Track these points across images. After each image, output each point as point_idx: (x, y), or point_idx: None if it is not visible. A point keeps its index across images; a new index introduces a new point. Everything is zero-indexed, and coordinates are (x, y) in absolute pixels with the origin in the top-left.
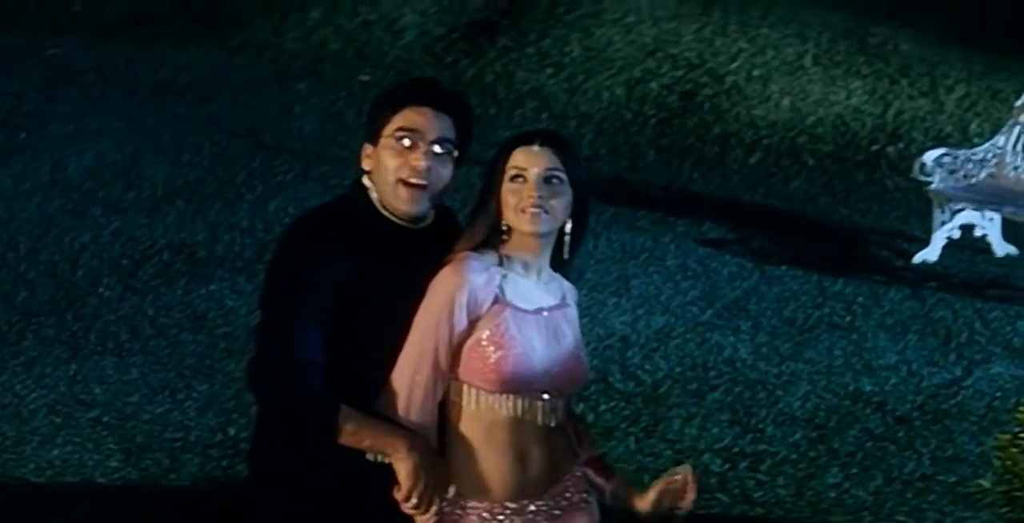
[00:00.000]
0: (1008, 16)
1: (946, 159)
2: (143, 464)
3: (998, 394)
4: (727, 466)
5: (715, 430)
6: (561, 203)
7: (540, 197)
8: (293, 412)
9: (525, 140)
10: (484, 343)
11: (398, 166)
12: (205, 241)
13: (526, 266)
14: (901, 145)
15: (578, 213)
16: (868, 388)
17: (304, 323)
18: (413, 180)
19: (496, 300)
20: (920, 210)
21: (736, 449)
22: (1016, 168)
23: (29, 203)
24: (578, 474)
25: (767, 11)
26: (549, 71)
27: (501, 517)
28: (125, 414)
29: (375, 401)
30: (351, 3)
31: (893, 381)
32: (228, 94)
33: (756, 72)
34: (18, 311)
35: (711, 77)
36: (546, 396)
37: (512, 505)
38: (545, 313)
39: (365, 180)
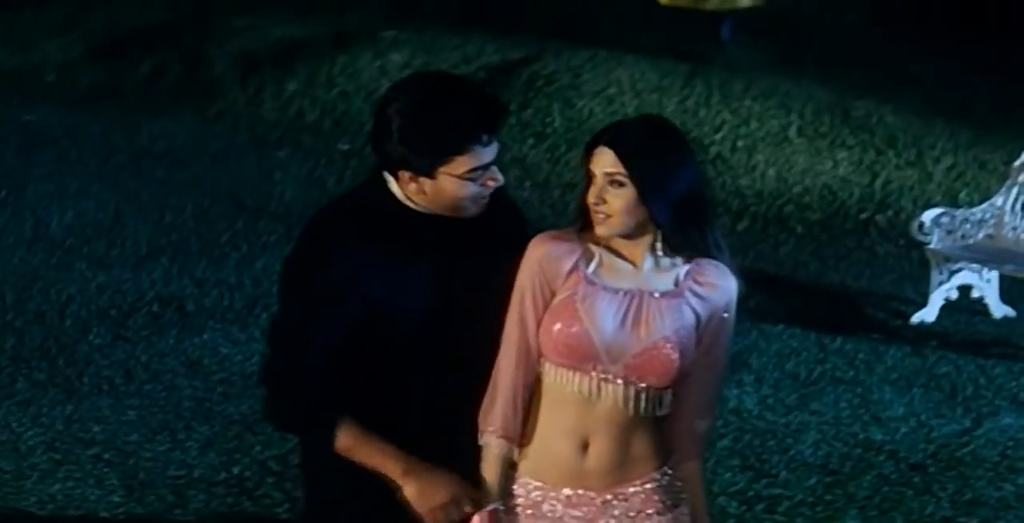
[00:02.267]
0: (991, 91)
1: (944, 219)
2: (147, 500)
3: (1010, 443)
4: (744, 508)
5: (727, 475)
6: (620, 204)
7: (601, 202)
8: (293, 419)
9: (597, 139)
10: (552, 312)
11: (474, 195)
12: (193, 295)
13: (621, 248)
14: (890, 213)
15: (658, 210)
16: (879, 437)
17: (318, 328)
18: (489, 194)
19: (573, 271)
20: (913, 275)
21: (751, 493)
22: (1015, 228)
23: (12, 257)
24: (661, 481)
25: (749, 84)
26: (531, 141)
27: (555, 503)
28: (125, 452)
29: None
30: (328, 75)
31: (903, 431)
32: (207, 160)
33: (740, 143)
34: (7, 356)
35: (695, 147)
36: (620, 381)
37: (568, 492)
38: (629, 295)
39: (392, 185)
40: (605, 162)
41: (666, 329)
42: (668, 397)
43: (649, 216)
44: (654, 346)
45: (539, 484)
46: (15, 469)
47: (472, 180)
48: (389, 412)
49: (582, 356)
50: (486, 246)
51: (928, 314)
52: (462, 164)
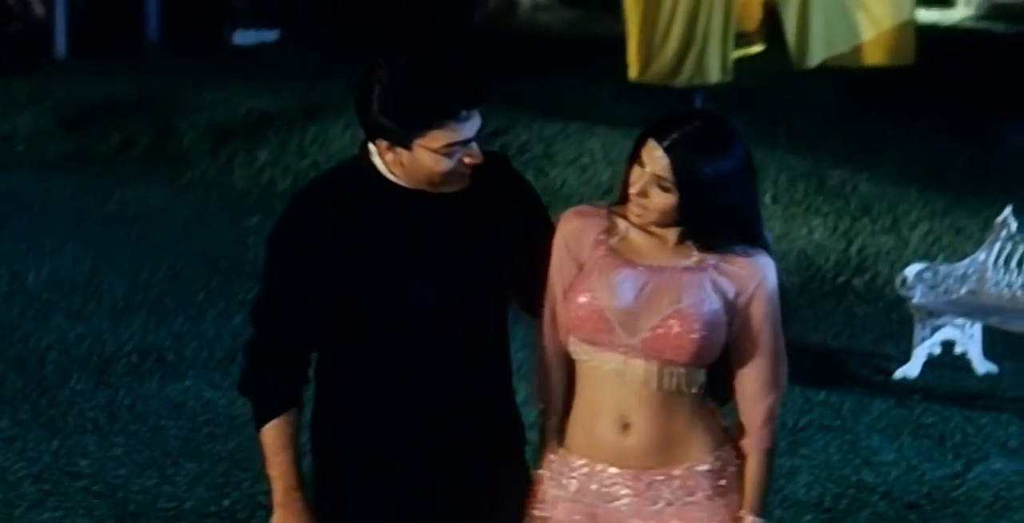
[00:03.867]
0: (964, 160)
1: (927, 274)
2: None
3: (1003, 485)
4: None
5: None
6: (661, 205)
7: (643, 195)
8: (247, 384)
9: (654, 133)
10: (573, 286)
11: (451, 168)
12: (173, 347)
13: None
14: (867, 277)
15: (696, 222)
16: (871, 479)
17: (284, 298)
18: (468, 171)
19: (597, 244)
20: (894, 334)
21: None
22: (997, 283)
23: None
24: (712, 465)
25: None
26: None
27: (601, 481)
28: (114, 485)
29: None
30: (299, 144)
31: (895, 474)
32: (179, 224)
33: None
34: None
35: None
36: (642, 357)
37: (614, 471)
38: (648, 269)
39: (374, 154)
40: (656, 163)
41: (684, 302)
42: (697, 375)
43: (685, 225)
44: (670, 319)
45: (585, 462)
46: (3, 498)
47: (448, 155)
48: (370, 386)
49: (596, 328)
50: (474, 224)
51: (911, 369)
52: (438, 138)
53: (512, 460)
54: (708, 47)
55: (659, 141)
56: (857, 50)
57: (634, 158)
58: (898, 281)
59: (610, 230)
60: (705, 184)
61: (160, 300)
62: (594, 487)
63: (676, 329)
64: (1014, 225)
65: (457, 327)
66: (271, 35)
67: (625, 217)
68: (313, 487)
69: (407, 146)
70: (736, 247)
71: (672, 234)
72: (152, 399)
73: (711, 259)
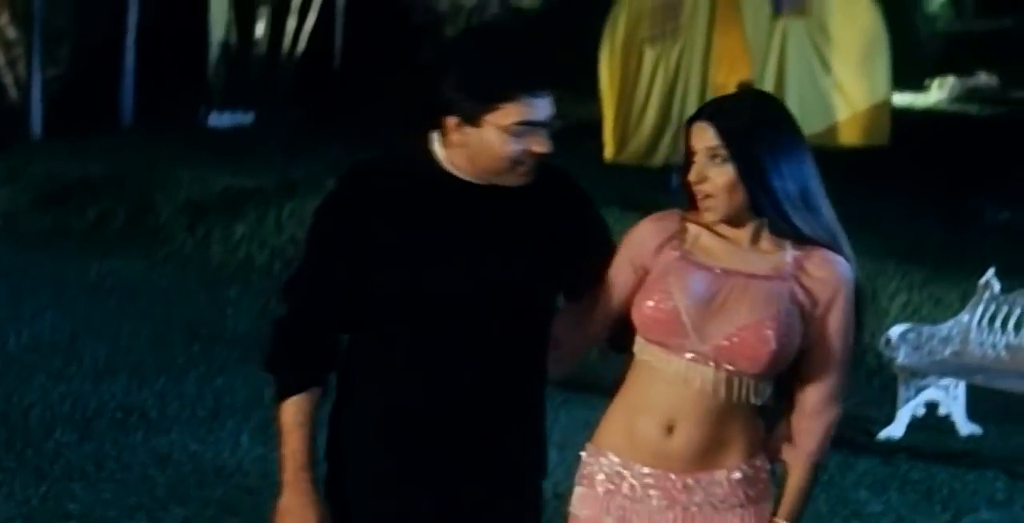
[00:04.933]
0: (941, 234)
1: (911, 335)
2: None
3: None
4: None
5: None
6: (722, 181)
7: (702, 180)
8: (271, 360)
9: (697, 115)
10: (644, 288)
11: (518, 152)
12: (156, 406)
13: (724, 230)
14: None
15: (758, 190)
16: None
17: (319, 278)
18: (535, 163)
19: (664, 247)
20: (876, 399)
21: None
22: (981, 344)
23: None
24: (747, 472)
25: None
26: None
27: (635, 482)
28: None
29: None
30: (276, 219)
31: None
32: (158, 295)
33: None
34: None
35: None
36: (711, 364)
37: (648, 471)
38: (724, 274)
39: (435, 142)
40: (705, 137)
41: (761, 312)
42: (764, 386)
43: (750, 198)
44: (747, 328)
45: (620, 460)
46: None
47: (517, 137)
48: (391, 379)
49: (669, 331)
50: (527, 225)
51: (895, 430)
52: (510, 114)
53: (526, 485)
54: (683, 128)
55: (702, 117)
56: (832, 129)
57: (688, 155)
58: (882, 342)
59: (681, 234)
60: (757, 146)
61: (141, 363)
62: (625, 486)
63: (754, 339)
64: (997, 286)
65: (490, 330)
66: (246, 117)
67: (697, 222)
68: (324, 485)
69: (477, 123)
70: (816, 251)
71: (746, 235)
72: (138, 450)
73: (790, 267)
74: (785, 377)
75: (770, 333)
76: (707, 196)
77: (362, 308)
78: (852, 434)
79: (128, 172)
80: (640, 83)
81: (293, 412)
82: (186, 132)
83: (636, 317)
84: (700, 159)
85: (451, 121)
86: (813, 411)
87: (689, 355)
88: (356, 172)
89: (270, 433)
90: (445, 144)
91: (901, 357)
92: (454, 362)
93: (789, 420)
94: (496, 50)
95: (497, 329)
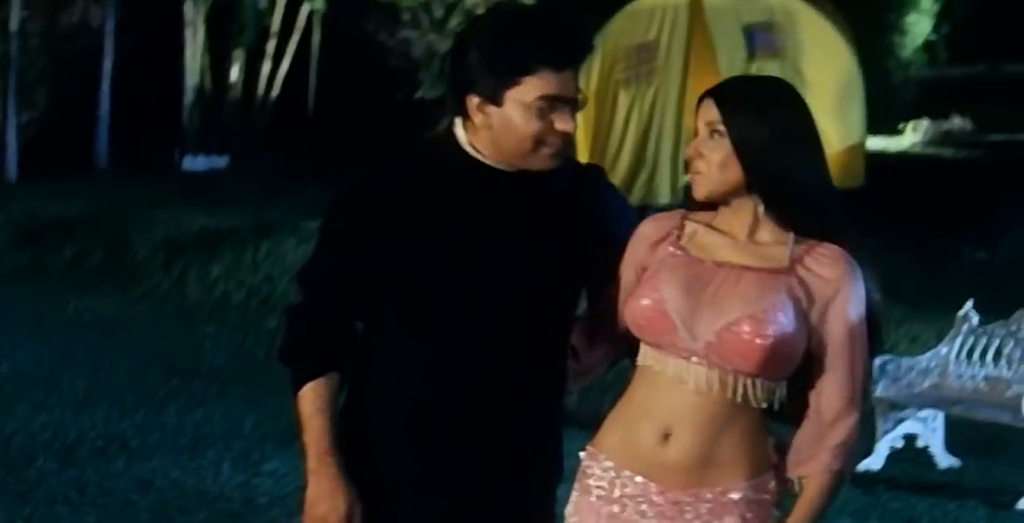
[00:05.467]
0: (918, 273)
1: (890, 367)
2: None
3: None
4: None
5: None
6: (716, 157)
7: (698, 156)
8: (285, 349)
9: (706, 93)
10: (638, 286)
11: (541, 131)
12: (136, 435)
13: (722, 223)
14: None
15: (752, 166)
16: None
17: (331, 266)
18: (560, 143)
19: (660, 244)
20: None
21: None
22: (960, 376)
23: None
24: (747, 493)
25: None
26: None
27: (626, 490)
28: None
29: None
30: (253, 259)
31: None
32: (135, 331)
33: None
34: None
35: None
36: (704, 363)
37: (640, 481)
38: (717, 267)
39: (457, 127)
40: (708, 113)
41: (753, 306)
42: (767, 387)
43: (746, 177)
44: (737, 323)
45: (611, 465)
46: None
47: (541, 114)
48: (407, 368)
49: (659, 330)
50: (551, 214)
51: (874, 462)
52: (532, 88)
53: (540, 489)
54: (658, 170)
55: (710, 94)
56: None
57: (695, 134)
58: None
59: (679, 231)
60: (754, 122)
61: (120, 395)
62: (616, 494)
63: (744, 335)
64: (975, 319)
65: (509, 325)
66: (221, 161)
67: (697, 220)
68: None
69: (499, 101)
70: (819, 246)
71: (743, 226)
72: (120, 477)
73: (788, 260)
74: (797, 387)
75: (761, 327)
76: (698, 172)
77: (378, 298)
78: None
79: (104, 212)
80: (615, 125)
81: (311, 398)
82: (161, 175)
83: (627, 317)
84: (701, 135)
85: (472, 101)
86: (824, 420)
87: (682, 354)
88: (375, 160)
89: (251, 461)
90: (467, 129)
91: (880, 389)
92: (469, 358)
93: (802, 432)
94: (518, 25)
95: (516, 324)
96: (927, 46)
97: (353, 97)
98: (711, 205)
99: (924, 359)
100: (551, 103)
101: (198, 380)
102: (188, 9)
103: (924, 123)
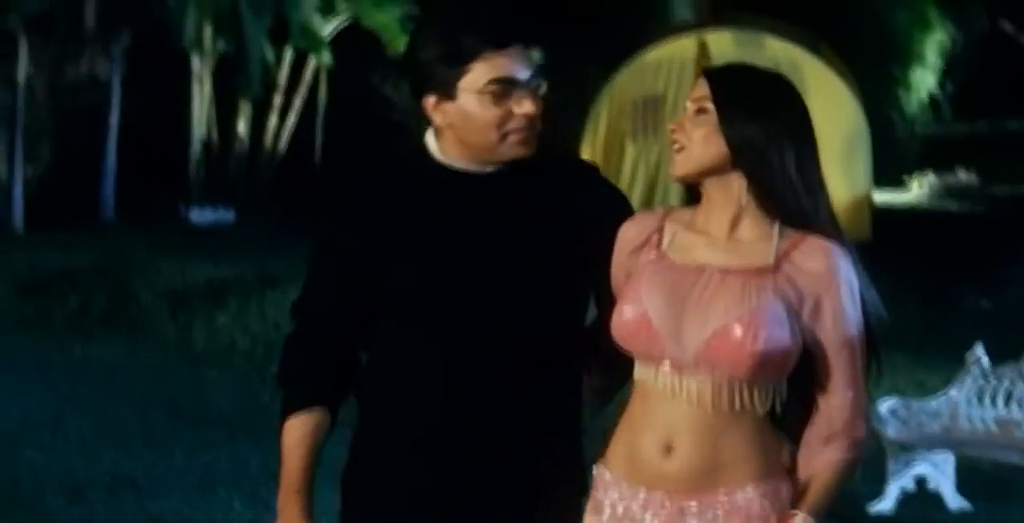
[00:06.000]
0: (923, 321)
1: (900, 409)
2: None
3: None
4: None
5: None
6: (700, 132)
7: (680, 134)
8: (280, 377)
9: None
10: (620, 297)
11: (500, 118)
12: (145, 476)
13: (702, 220)
14: None
15: (738, 141)
16: None
17: (320, 292)
18: (525, 127)
19: (643, 249)
20: (865, 475)
21: None
22: (970, 418)
23: None
24: (750, 495)
25: None
26: None
27: (631, 504)
28: None
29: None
30: (259, 307)
31: None
32: (141, 375)
33: None
34: None
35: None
36: (695, 372)
37: (644, 495)
38: (700, 271)
39: (429, 138)
40: (698, 89)
41: (738, 308)
42: (766, 391)
43: (730, 152)
44: (724, 329)
45: (619, 481)
46: None
47: (496, 100)
48: (411, 388)
49: (646, 341)
50: (536, 213)
51: (885, 505)
52: (480, 73)
53: (562, 502)
54: None
55: (704, 73)
56: None
57: None
58: (871, 415)
59: (660, 234)
60: (743, 94)
61: (127, 437)
62: (620, 510)
63: (732, 341)
64: (985, 361)
65: (509, 329)
66: (227, 214)
67: (678, 219)
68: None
69: (452, 93)
70: (807, 239)
71: (725, 221)
72: (130, 514)
73: (773, 257)
74: (799, 389)
75: (748, 331)
76: (680, 147)
77: (373, 321)
78: (841, 508)
79: (110, 263)
80: (622, 178)
81: (292, 432)
82: (167, 227)
83: (612, 330)
84: (688, 111)
85: (430, 102)
86: (834, 420)
87: (672, 364)
88: (353, 185)
89: (260, 497)
90: (436, 136)
91: (890, 431)
92: (476, 369)
93: (810, 433)
94: (453, 13)
95: (519, 328)
96: (931, 101)
97: (359, 150)
98: (696, 196)
99: (934, 402)
100: (505, 87)
101: (204, 423)
102: (195, 63)
103: (929, 176)
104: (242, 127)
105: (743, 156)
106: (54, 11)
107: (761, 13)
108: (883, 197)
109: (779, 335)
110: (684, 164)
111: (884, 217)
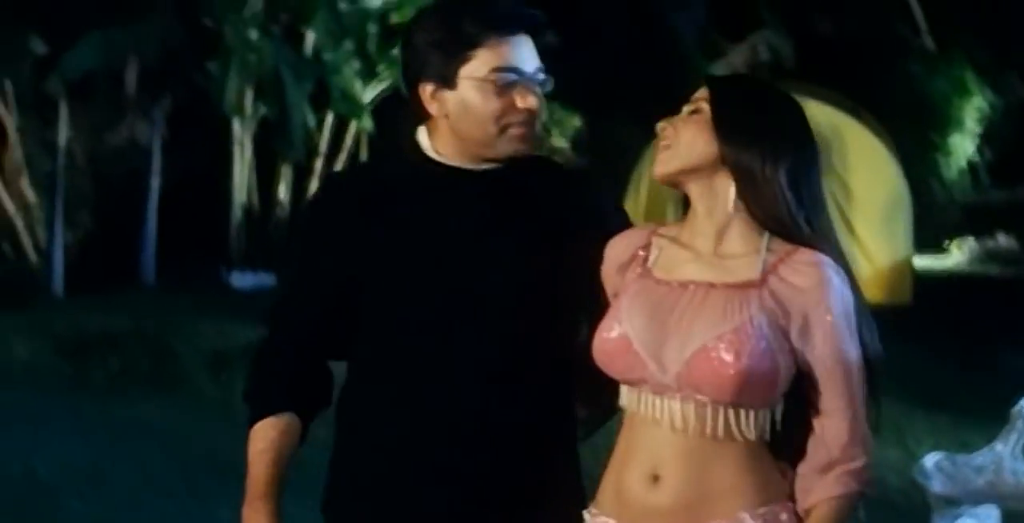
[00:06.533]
0: (967, 382)
1: (945, 464)
2: None
3: None
4: None
5: None
6: (689, 131)
7: (671, 133)
8: (247, 390)
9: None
10: (606, 317)
11: (501, 110)
12: None
13: (689, 234)
14: (879, 488)
15: (731, 141)
16: None
17: (293, 299)
18: (526, 122)
19: (628, 266)
20: None
21: None
22: (1015, 472)
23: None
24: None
25: None
26: None
27: None
28: None
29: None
30: None
31: None
32: (182, 434)
33: None
34: None
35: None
36: (677, 396)
37: None
38: (683, 287)
39: (420, 132)
40: (697, 95)
41: (720, 326)
42: (753, 415)
43: (720, 156)
44: (705, 348)
45: (605, 519)
46: None
47: (498, 91)
48: (390, 402)
49: (627, 364)
50: (524, 216)
51: None
52: (483, 61)
53: (559, 517)
54: None
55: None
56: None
57: None
58: (916, 470)
59: (646, 250)
60: (741, 97)
61: (169, 492)
62: None
63: (711, 361)
64: None
65: (492, 333)
66: (268, 278)
67: (665, 234)
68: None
69: (452, 82)
70: (797, 253)
71: (711, 233)
72: None
73: (760, 271)
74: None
75: (731, 350)
76: (667, 145)
77: (346, 327)
78: None
79: (150, 325)
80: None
81: (256, 439)
82: (208, 291)
83: (593, 352)
84: (683, 112)
85: (426, 90)
86: (830, 447)
87: (655, 389)
88: (331, 179)
89: None
90: (429, 130)
91: (936, 486)
92: (463, 375)
93: (806, 463)
94: (459, 1)
95: (504, 331)
96: (970, 167)
97: None
98: (686, 206)
99: (979, 456)
100: (509, 77)
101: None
102: (236, 127)
103: (969, 241)
104: (283, 191)
105: (732, 150)
106: (95, 76)
107: (802, 79)
108: (923, 262)
109: (765, 354)
110: (668, 162)
111: (925, 282)
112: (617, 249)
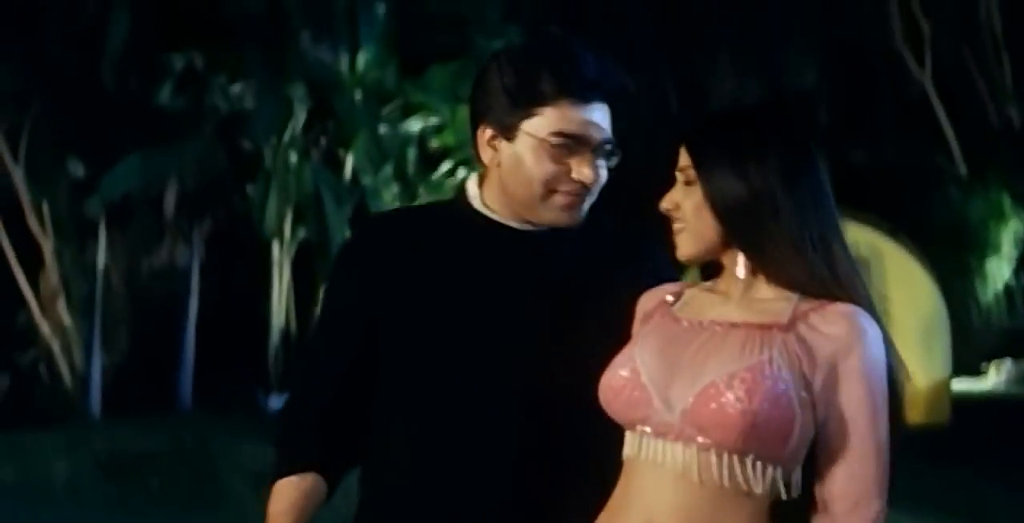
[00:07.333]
0: (1005, 500)
1: None
2: None
3: None
4: None
5: None
6: (690, 205)
7: (675, 207)
8: (277, 444)
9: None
10: (619, 355)
11: (554, 174)
12: None
13: (719, 283)
14: None
15: (721, 208)
16: None
17: (321, 354)
18: (575, 193)
19: (657, 311)
20: None
21: None
22: None
23: None
24: None
25: None
26: None
27: None
28: None
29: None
30: (342, 489)
31: None
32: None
33: None
34: None
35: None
36: (680, 438)
37: None
38: (700, 326)
39: (470, 183)
40: (681, 158)
41: (735, 364)
42: (760, 467)
43: (721, 229)
44: (714, 385)
45: None
46: None
47: (556, 155)
48: (412, 458)
49: (632, 401)
50: (565, 279)
51: None
52: (548, 120)
53: None
54: None
55: (683, 137)
56: None
57: None
58: None
59: (676, 297)
60: (723, 161)
61: None
62: None
63: (721, 398)
64: None
65: (517, 412)
66: None
67: (700, 285)
68: None
69: (511, 134)
70: (831, 305)
71: (739, 284)
72: None
73: (789, 316)
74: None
75: (741, 388)
76: (681, 228)
77: (374, 375)
78: None
79: (188, 447)
80: None
81: (276, 499)
82: (246, 414)
83: (598, 392)
84: (677, 184)
85: (485, 134)
86: (836, 510)
87: (658, 429)
88: (371, 220)
89: None
90: (480, 181)
91: None
92: (489, 435)
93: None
94: (542, 50)
95: (526, 413)
96: (1007, 291)
97: None
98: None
99: None
100: (570, 144)
101: None
102: (275, 250)
103: (1007, 363)
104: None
105: (733, 226)
106: (134, 198)
107: (839, 204)
108: (961, 385)
109: (780, 399)
110: (686, 245)
111: (962, 405)
112: (646, 299)
